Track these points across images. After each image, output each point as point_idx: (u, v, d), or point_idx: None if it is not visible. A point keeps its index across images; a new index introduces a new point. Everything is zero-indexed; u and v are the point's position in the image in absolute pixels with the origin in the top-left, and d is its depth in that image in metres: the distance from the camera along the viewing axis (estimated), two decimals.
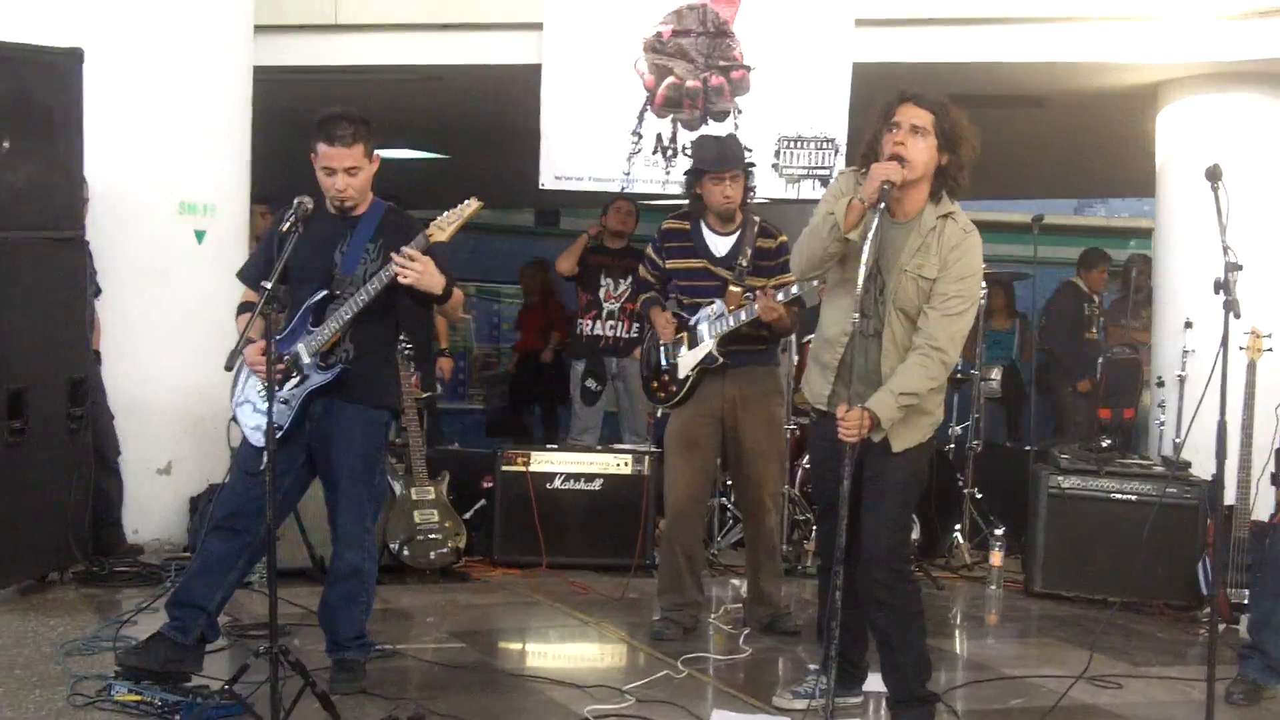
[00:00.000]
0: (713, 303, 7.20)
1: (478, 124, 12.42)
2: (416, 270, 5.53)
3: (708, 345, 7.17)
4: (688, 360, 7.24)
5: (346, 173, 5.72)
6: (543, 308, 14.16)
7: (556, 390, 12.94)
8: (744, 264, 7.22)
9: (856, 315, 5.11)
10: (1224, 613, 7.72)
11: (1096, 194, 20.24)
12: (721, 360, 7.15)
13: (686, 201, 7.45)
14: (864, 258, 5.05)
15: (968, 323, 5.34)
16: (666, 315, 7.33)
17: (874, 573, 5.29)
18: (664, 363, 7.33)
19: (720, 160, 7.22)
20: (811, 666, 6.07)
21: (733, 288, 7.20)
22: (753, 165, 7.47)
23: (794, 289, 7.07)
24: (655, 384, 7.42)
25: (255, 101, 9.25)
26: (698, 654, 6.72)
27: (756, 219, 7.33)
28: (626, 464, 8.93)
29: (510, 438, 12.96)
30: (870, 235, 5.06)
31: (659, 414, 7.98)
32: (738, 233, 7.29)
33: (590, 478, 8.90)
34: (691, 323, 7.24)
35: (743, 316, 7.10)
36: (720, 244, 7.29)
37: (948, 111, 5.26)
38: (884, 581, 5.30)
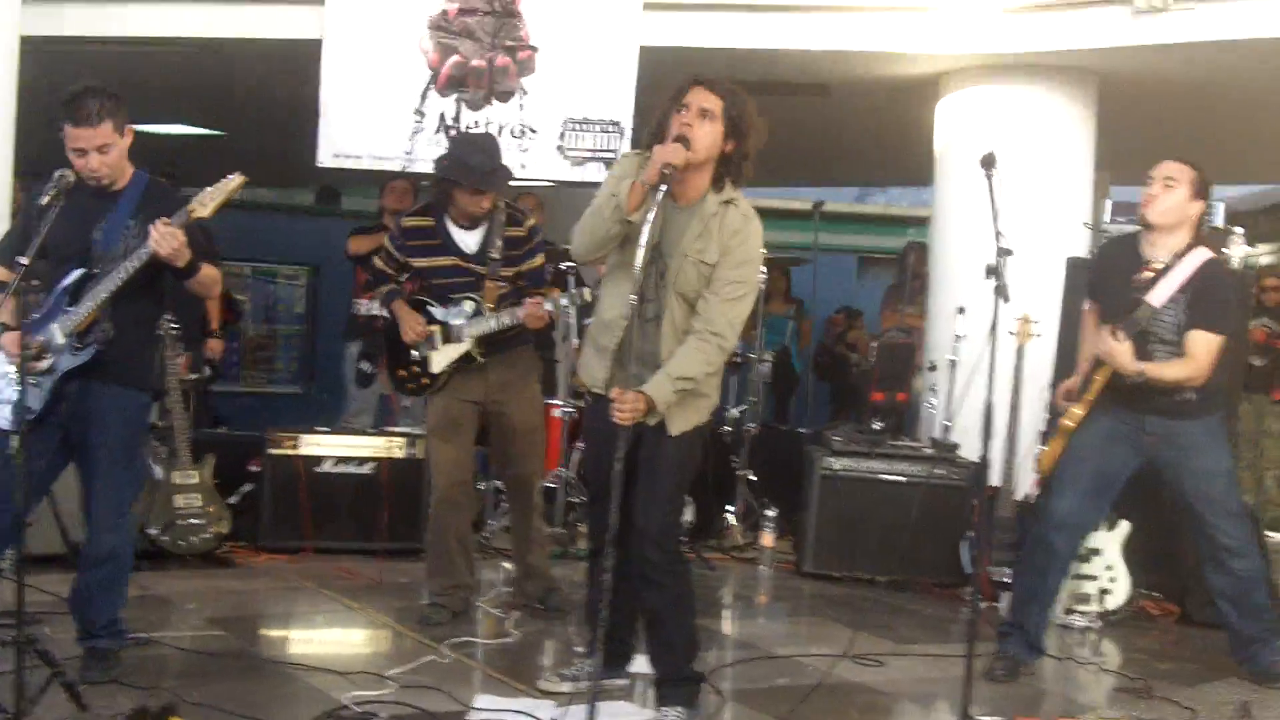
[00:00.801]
0: (468, 298, 7.11)
1: (257, 100, 12.17)
2: (172, 244, 5.39)
3: (465, 345, 7.10)
4: (442, 357, 7.14)
5: (98, 151, 5.50)
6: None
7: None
8: (497, 257, 7.13)
9: (634, 298, 5.09)
10: (986, 591, 7.87)
11: (877, 182, 20.50)
12: (482, 360, 7.11)
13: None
14: (642, 240, 5.03)
15: (747, 308, 5.33)
16: (415, 315, 7.19)
17: (646, 553, 5.28)
18: (413, 354, 7.25)
19: (479, 177, 6.97)
20: (578, 649, 6.04)
21: (490, 283, 7.11)
22: (498, 180, 7.17)
23: (562, 300, 7.20)
24: (404, 373, 7.31)
25: (24, 73, 8.93)
26: (465, 638, 6.64)
27: (501, 205, 7.19)
28: (400, 447, 8.80)
29: None
30: (650, 218, 5.03)
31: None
32: (485, 225, 7.15)
33: (362, 461, 8.74)
34: (443, 319, 7.16)
35: (505, 320, 7.05)
36: (468, 239, 7.15)
37: (738, 99, 5.24)
38: (656, 562, 5.28)
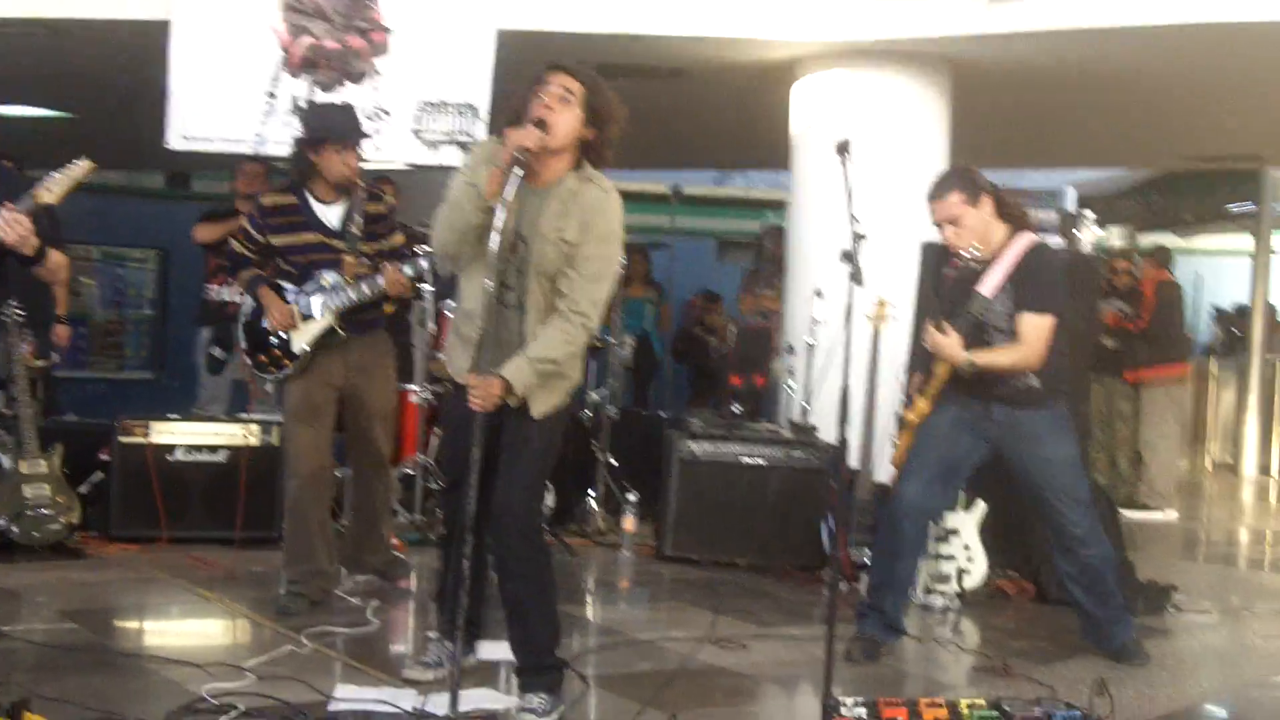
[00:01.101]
0: (323, 275, 7.08)
1: (105, 81, 11.93)
2: (19, 231, 5.27)
3: (326, 320, 7.06)
4: (303, 336, 7.09)
5: None
6: None
7: None
8: (356, 232, 7.11)
9: (490, 283, 5.03)
10: (846, 572, 7.92)
11: (735, 166, 20.53)
12: (345, 335, 7.06)
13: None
14: (497, 224, 4.97)
15: (609, 286, 5.29)
16: (281, 301, 7.14)
17: (507, 541, 5.23)
18: (274, 336, 7.17)
19: (348, 130, 7.10)
20: (431, 634, 5.98)
21: (348, 258, 7.08)
22: (367, 136, 7.37)
23: (421, 262, 7.10)
24: (264, 358, 7.24)
25: None
26: (324, 628, 6.54)
27: (361, 183, 7.19)
28: (254, 434, 8.68)
29: None
30: (504, 202, 4.98)
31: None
32: (346, 202, 7.15)
33: (214, 449, 8.61)
34: (295, 296, 7.12)
35: (365, 290, 7.03)
36: (330, 214, 7.13)
37: (599, 87, 5.20)
38: (517, 550, 5.24)
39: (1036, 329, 6.36)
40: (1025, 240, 6.47)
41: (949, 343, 6.39)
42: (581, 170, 5.23)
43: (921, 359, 7.06)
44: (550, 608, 5.37)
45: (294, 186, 7.17)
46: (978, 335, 6.42)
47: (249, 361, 7.40)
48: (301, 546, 7.12)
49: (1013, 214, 6.57)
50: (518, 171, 4.96)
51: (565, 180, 5.19)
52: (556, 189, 5.19)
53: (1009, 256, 6.43)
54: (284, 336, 7.11)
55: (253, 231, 7.15)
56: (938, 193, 6.54)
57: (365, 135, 7.14)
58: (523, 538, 5.25)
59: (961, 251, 6.49)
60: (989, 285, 6.42)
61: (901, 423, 6.91)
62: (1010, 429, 6.50)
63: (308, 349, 7.07)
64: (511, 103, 5.27)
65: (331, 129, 7.08)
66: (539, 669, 5.32)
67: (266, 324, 7.19)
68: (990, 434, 6.54)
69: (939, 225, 6.57)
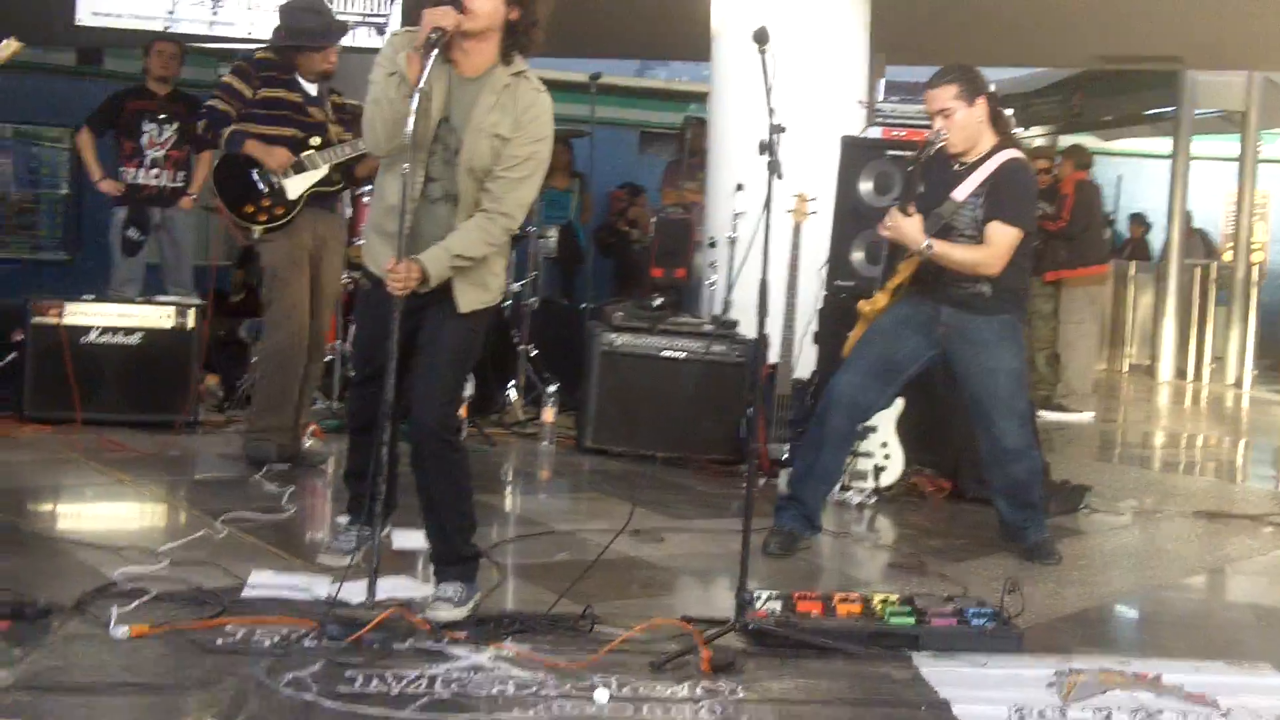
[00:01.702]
0: (314, 139, 7.38)
1: None
2: None
3: (322, 170, 7.32)
4: (300, 182, 7.31)
5: None
6: None
7: None
8: (330, 111, 7.53)
9: (408, 169, 4.96)
10: (765, 467, 7.96)
11: (657, 56, 20.41)
12: (341, 185, 7.47)
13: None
14: (413, 107, 4.90)
15: (536, 187, 5.23)
16: (279, 147, 7.35)
17: (423, 439, 5.18)
18: (264, 185, 7.31)
19: (324, 32, 7.41)
20: (341, 519, 5.97)
21: (333, 126, 7.45)
22: (345, 31, 7.73)
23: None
24: (251, 208, 7.33)
25: None
26: (239, 513, 6.51)
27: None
28: (169, 316, 8.61)
29: None
30: (419, 89, 4.90)
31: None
32: (318, 83, 7.51)
33: (129, 331, 8.55)
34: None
35: (349, 150, 7.39)
36: (310, 87, 7.47)
37: None
38: (434, 450, 5.19)
39: (1004, 237, 6.36)
40: (1009, 153, 6.46)
41: (910, 224, 6.37)
42: (512, 63, 5.13)
43: (843, 254, 7.05)
44: (465, 501, 5.34)
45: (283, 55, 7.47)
46: (945, 238, 6.41)
47: (229, 213, 7.40)
48: (277, 399, 7.24)
49: (1004, 127, 6.56)
50: (433, 52, 4.87)
51: (496, 73, 5.10)
52: (488, 80, 5.09)
53: (989, 166, 6.42)
54: (275, 185, 7.18)
55: (240, 85, 7.35)
56: (936, 80, 6.51)
57: (343, 31, 7.32)
58: (439, 437, 5.20)
59: (932, 140, 6.47)
60: (964, 190, 6.42)
61: (825, 316, 6.90)
62: (958, 332, 6.51)
63: (304, 195, 7.28)
64: None
65: (307, 34, 7.34)
66: (454, 559, 5.30)
67: (255, 174, 7.33)
68: (937, 336, 6.54)
69: (931, 115, 6.54)
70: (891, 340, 6.57)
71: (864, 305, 6.75)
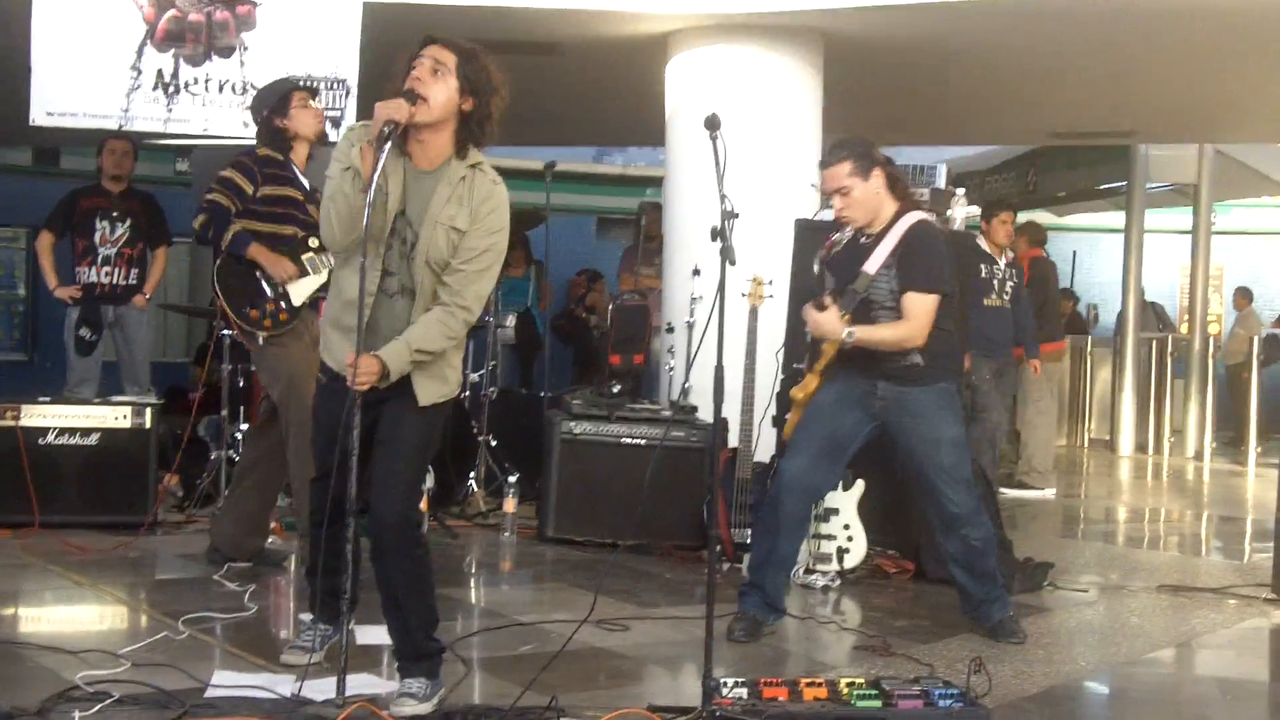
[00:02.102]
0: (313, 239, 7.31)
1: None
2: None
3: (324, 275, 7.27)
4: (304, 288, 7.32)
5: None
6: None
7: None
8: None
9: (366, 261, 4.94)
10: (728, 552, 7.94)
11: (613, 142, 20.52)
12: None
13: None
14: (368, 200, 4.90)
15: (494, 279, 5.25)
16: (283, 256, 7.34)
17: (384, 534, 5.15)
18: (269, 290, 7.30)
19: (300, 81, 7.65)
20: (304, 617, 5.93)
21: None
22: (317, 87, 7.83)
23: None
24: (256, 313, 7.29)
25: None
26: (201, 614, 6.47)
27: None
28: (125, 416, 8.57)
29: None
30: (374, 180, 4.90)
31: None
32: (311, 164, 7.46)
33: (86, 432, 8.52)
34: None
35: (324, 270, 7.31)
36: (304, 179, 7.41)
37: (475, 57, 5.11)
38: (394, 544, 5.16)
39: (921, 305, 6.38)
40: (912, 218, 6.48)
41: (827, 318, 6.40)
42: (467, 155, 5.14)
43: (805, 337, 7.06)
44: (427, 596, 5.31)
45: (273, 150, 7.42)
46: (864, 312, 6.44)
47: (234, 317, 7.34)
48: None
49: (903, 192, 6.58)
50: (386, 145, 4.89)
51: (452, 165, 5.12)
52: (444, 173, 5.11)
53: (895, 233, 6.44)
54: (280, 290, 7.19)
55: (242, 181, 7.29)
56: (830, 160, 6.53)
57: (316, 85, 7.35)
58: (400, 532, 5.17)
59: (842, 227, 6.52)
60: (874, 262, 6.43)
61: (789, 401, 6.91)
62: (896, 405, 6.51)
63: (307, 301, 7.33)
64: (391, 80, 5.17)
65: (288, 83, 7.45)
66: (417, 654, 5.27)
67: (261, 278, 7.29)
68: (876, 410, 6.55)
69: (828, 194, 6.57)
70: (832, 418, 6.58)
71: (796, 392, 6.80)
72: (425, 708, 5.04)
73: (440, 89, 5.03)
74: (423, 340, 5.04)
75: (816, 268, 6.77)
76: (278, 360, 7.32)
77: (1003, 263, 11.11)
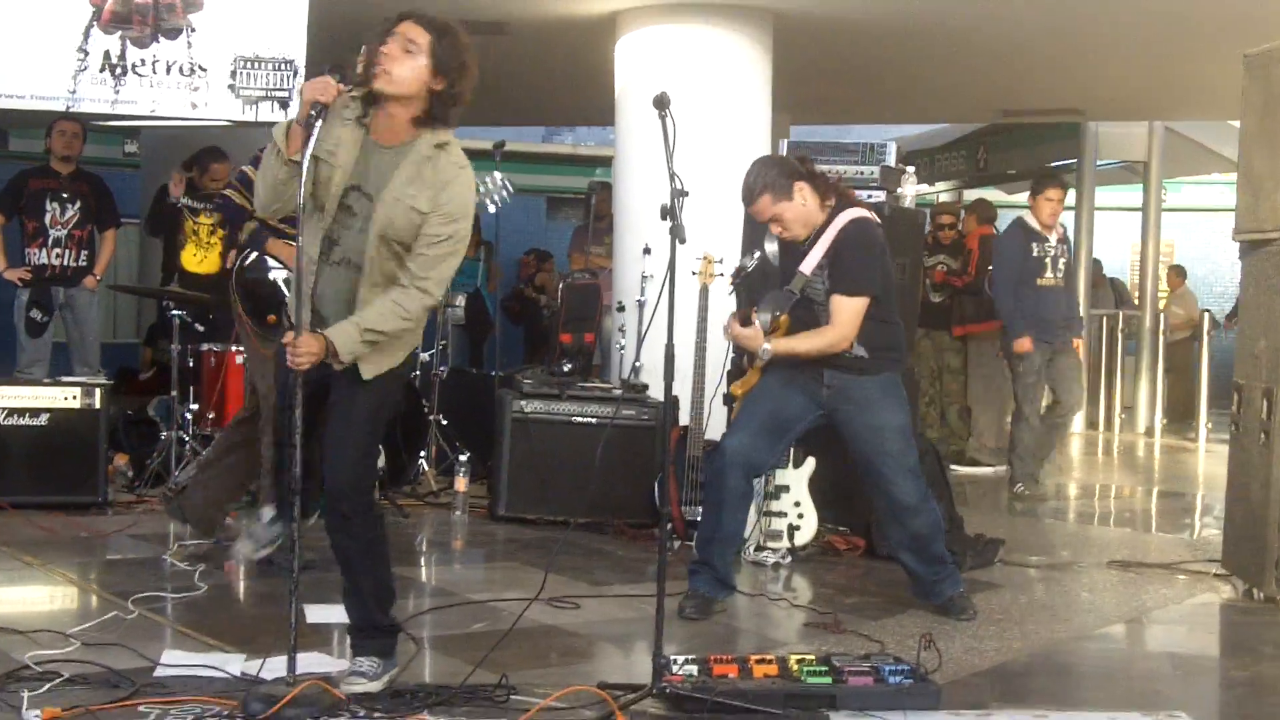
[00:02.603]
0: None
1: None
2: None
3: None
4: None
5: None
6: None
7: None
8: None
9: (303, 239, 4.91)
10: (679, 530, 7.96)
11: (563, 122, 20.54)
12: None
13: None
14: (303, 179, 4.84)
15: (457, 263, 5.15)
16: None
17: (338, 507, 5.11)
18: (288, 293, 7.19)
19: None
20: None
21: None
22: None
23: None
24: (273, 316, 7.23)
25: None
26: (150, 593, 6.45)
27: None
28: (75, 397, 8.53)
29: None
30: (305, 160, 4.86)
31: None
32: None
33: (36, 412, 8.47)
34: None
35: None
36: None
37: (450, 36, 5.00)
38: (349, 515, 5.11)
39: (847, 310, 6.39)
40: (845, 218, 6.48)
41: (747, 334, 6.46)
42: (435, 134, 5.06)
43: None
44: (382, 572, 5.29)
45: None
46: (806, 310, 6.48)
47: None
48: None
49: (833, 190, 6.59)
50: (317, 124, 4.84)
51: (418, 144, 5.03)
52: (408, 150, 5.02)
53: (829, 233, 6.45)
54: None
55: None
56: (749, 199, 6.55)
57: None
58: (354, 505, 5.12)
59: (745, 266, 6.63)
60: (809, 263, 6.46)
61: (731, 398, 6.94)
62: (842, 394, 6.52)
63: None
64: (361, 57, 5.06)
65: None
66: (371, 630, 5.25)
67: (272, 285, 7.25)
68: (823, 398, 6.55)
69: (766, 223, 6.59)
70: (776, 399, 6.60)
71: (736, 388, 6.87)
72: (375, 686, 5.03)
73: (409, 67, 4.94)
74: (375, 321, 4.94)
75: (771, 246, 6.76)
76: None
77: (1054, 239, 10.80)
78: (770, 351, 6.40)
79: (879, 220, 6.67)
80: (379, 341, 4.98)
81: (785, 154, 7.76)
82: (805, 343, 6.43)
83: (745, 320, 6.49)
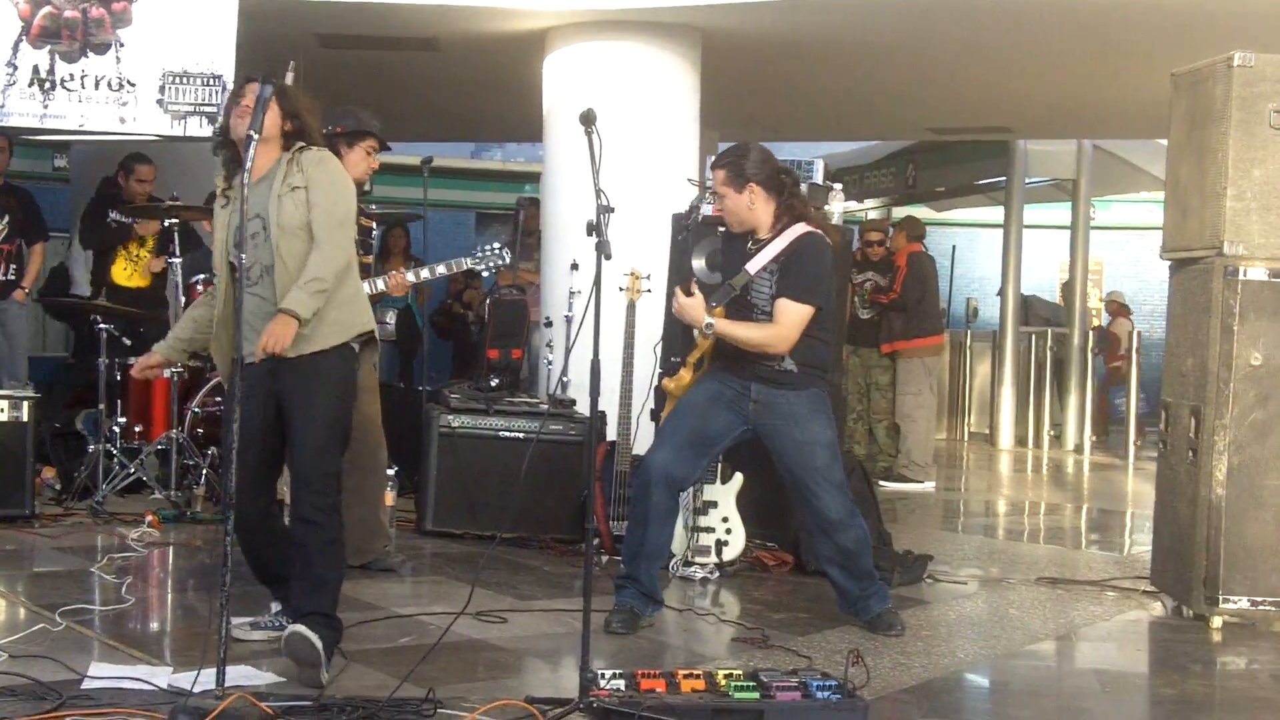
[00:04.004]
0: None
1: None
2: None
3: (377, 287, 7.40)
4: None
5: None
6: None
7: None
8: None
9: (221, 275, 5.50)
10: (606, 545, 7.96)
11: (492, 138, 20.50)
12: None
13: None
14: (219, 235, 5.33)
15: (348, 207, 5.72)
16: None
17: (302, 496, 5.50)
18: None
19: (383, 132, 7.29)
20: (274, 605, 5.94)
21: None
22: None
23: (424, 273, 7.60)
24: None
25: None
26: (77, 605, 6.41)
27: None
28: (2, 410, 8.50)
29: None
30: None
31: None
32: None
33: None
34: None
35: (380, 285, 7.40)
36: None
37: (286, 93, 5.72)
38: (313, 504, 5.49)
39: (792, 315, 6.42)
40: (801, 228, 6.51)
41: (691, 303, 6.46)
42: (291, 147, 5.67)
43: (677, 330, 7.10)
44: (339, 564, 5.63)
45: None
46: (742, 313, 6.49)
47: None
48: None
49: (792, 202, 6.61)
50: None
51: (280, 160, 5.62)
52: (275, 168, 5.60)
53: (782, 240, 6.48)
54: None
55: None
56: (716, 162, 6.67)
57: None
58: (318, 497, 5.50)
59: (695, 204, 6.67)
60: (756, 264, 6.48)
61: (662, 393, 6.94)
62: (768, 408, 6.54)
63: None
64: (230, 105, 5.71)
65: (374, 128, 7.21)
66: (320, 618, 5.40)
67: None
68: (749, 413, 6.57)
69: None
70: (701, 415, 6.62)
71: (669, 383, 6.86)
72: (317, 641, 5.27)
73: (263, 120, 5.30)
74: (311, 272, 5.46)
75: (699, 263, 6.80)
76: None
77: None
78: (713, 327, 6.41)
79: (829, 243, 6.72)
80: (325, 290, 5.47)
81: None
82: (746, 331, 6.45)
83: (690, 293, 6.51)
